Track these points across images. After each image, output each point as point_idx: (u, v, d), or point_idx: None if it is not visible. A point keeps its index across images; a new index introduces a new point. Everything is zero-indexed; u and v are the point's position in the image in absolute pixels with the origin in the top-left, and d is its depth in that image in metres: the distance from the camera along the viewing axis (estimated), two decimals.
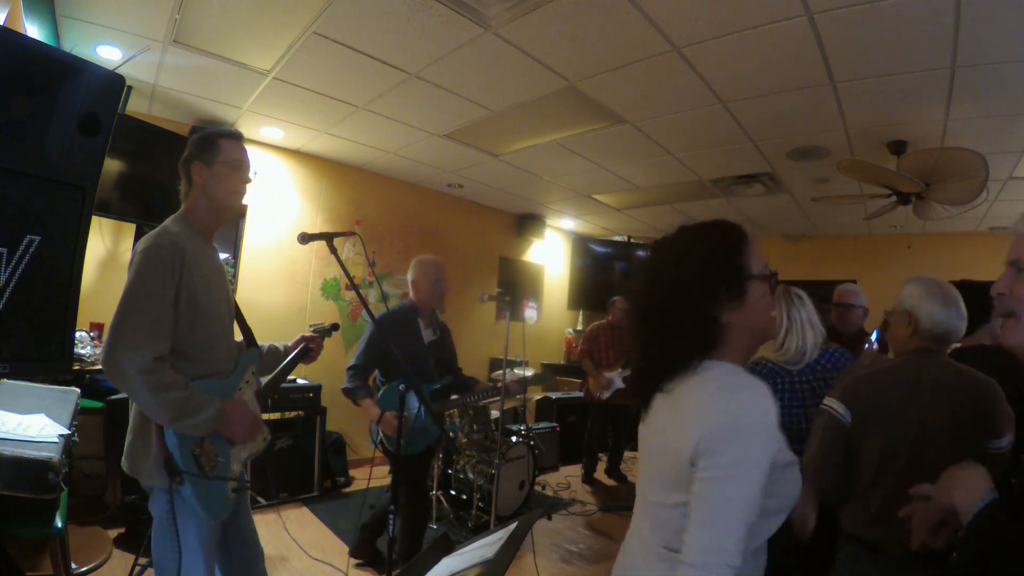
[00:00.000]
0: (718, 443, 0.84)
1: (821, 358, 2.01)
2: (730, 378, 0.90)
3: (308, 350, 1.90)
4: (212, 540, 1.52)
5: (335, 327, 2.03)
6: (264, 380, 1.84)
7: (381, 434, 2.59)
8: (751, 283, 0.93)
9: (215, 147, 1.62)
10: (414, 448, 2.56)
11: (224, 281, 1.71)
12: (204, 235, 1.64)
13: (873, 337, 3.26)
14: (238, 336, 1.79)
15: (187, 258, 1.49)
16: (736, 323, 0.92)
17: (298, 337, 1.93)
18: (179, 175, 1.65)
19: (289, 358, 1.87)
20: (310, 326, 1.96)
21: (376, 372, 2.74)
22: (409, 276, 2.75)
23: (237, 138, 1.68)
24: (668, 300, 0.95)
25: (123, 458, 1.51)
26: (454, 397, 2.88)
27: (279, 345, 1.91)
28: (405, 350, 2.56)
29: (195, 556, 1.46)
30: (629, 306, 1.04)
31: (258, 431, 1.63)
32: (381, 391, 2.63)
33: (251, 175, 1.71)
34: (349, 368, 2.60)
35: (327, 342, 1.99)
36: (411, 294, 2.75)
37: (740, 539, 0.81)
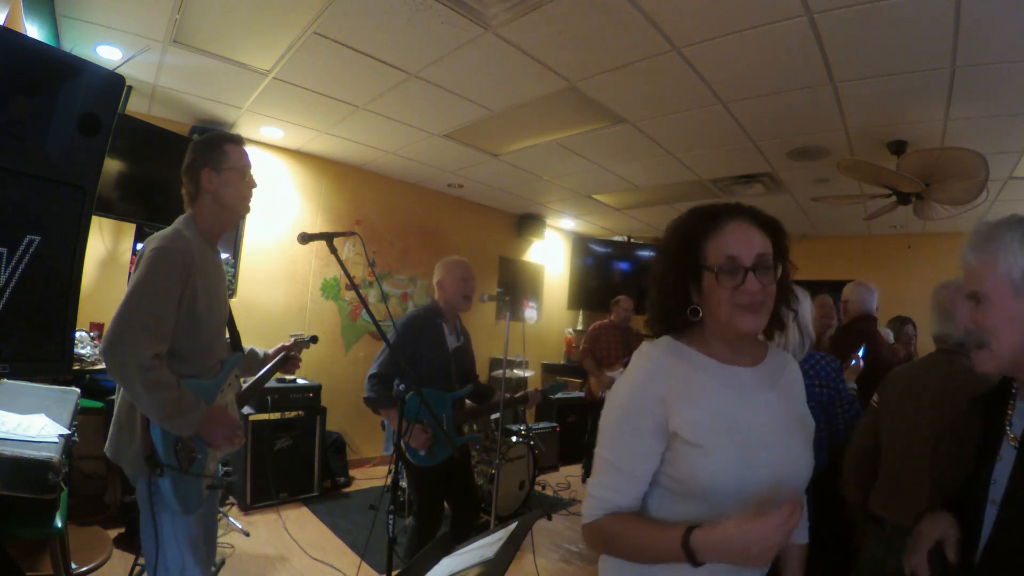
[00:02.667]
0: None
1: (803, 364, 1.89)
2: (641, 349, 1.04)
3: (288, 358, 1.95)
4: (194, 532, 1.55)
5: (313, 339, 2.10)
6: (244, 384, 1.88)
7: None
8: (704, 272, 0.96)
9: (223, 153, 1.63)
10: (435, 459, 2.47)
11: (224, 286, 1.73)
12: (210, 239, 1.66)
13: (860, 353, 2.87)
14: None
15: (195, 263, 1.52)
16: (704, 310, 0.99)
17: (278, 346, 1.98)
18: (182, 179, 1.65)
19: (269, 366, 1.92)
20: (290, 336, 2.01)
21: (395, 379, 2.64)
22: (434, 277, 2.68)
23: (241, 143, 1.70)
24: (653, 277, 1.05)
25: (107, 445, 1.54)
26: (472, 406, 2.82)
27: (259, 350, 1.95)
28: (429, 357, 2.51)
29: (171, 546, 1.50)
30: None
31: (237, 438, 1.64)
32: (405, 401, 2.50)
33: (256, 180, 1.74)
34: (370, 376, 2.48)
35: (326, 342, 2.01)
36: (436, 296, 2.67)
37: (605, 482, 0.96)
